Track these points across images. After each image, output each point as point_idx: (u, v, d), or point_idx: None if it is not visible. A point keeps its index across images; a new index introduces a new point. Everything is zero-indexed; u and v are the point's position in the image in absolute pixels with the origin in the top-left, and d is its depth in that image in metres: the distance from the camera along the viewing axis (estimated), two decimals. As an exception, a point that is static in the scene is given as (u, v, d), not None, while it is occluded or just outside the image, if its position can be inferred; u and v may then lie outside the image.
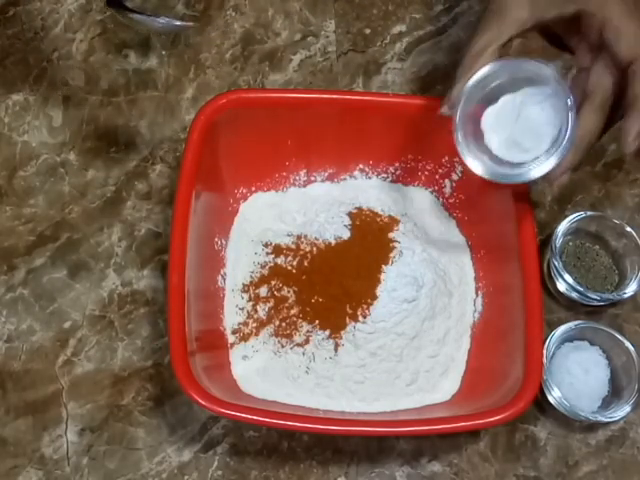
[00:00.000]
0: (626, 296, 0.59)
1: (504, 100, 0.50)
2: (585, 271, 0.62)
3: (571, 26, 0.50)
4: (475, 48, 0.50)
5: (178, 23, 0.54)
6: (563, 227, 0.60)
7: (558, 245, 0.60)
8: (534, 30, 0.51)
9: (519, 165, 0.50)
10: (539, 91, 0.50)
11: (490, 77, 0.50)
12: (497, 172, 0.51)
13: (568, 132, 0.47)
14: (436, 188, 0.64)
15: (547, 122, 0.49)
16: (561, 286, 0.60)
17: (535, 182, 0.50)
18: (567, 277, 0.59)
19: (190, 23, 0.55)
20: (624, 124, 0.48)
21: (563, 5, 0.49)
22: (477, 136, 0.51)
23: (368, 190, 0.64)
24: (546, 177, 0.49)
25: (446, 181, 0.64)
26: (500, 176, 0.51)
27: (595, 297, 0.59)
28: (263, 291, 0.59)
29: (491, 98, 0.51)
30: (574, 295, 0.60)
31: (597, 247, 0.63)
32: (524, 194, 0.56)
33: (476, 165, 0.51)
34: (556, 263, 0.59)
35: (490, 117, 0.51)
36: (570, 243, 0.63)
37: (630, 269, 0.60)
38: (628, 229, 0.60)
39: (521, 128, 0.50)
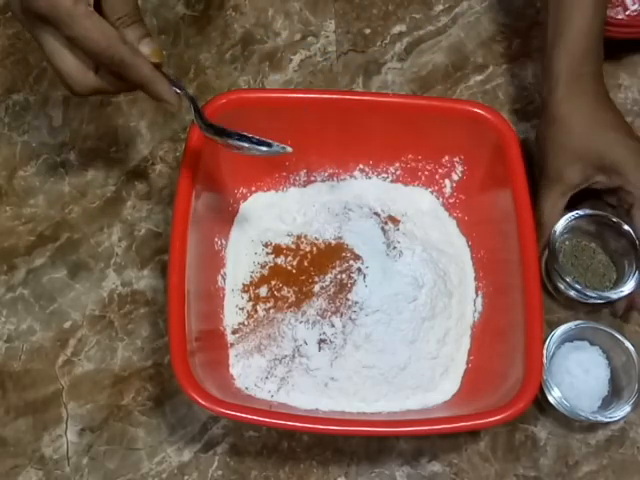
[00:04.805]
0: (624, 294, 0.59)
1: None
2: (583, 269, 0.61)
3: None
4: (546, 211, 0.60)
5: (279, 149, 0.53)
6: (561, 226, 0.60)
7: (556, 244, 0.60)
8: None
9: None
10: None
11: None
12: None
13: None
14: (436, 188, 0.64)
15: None
16: (560, 285, 0.60)
17: None
18: (565, 276, 0.59)
19: (289, 149, 0.53)
20: None
21: (609, 180, 0.59)
22: None
23: (368, 190, 0.64)
24: None
25: (446, 181, 0.64)
26: None
27: (594, 295, 0.59)
28: (263, 291, 0.59)
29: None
30: (572, 294, 0.60)
31: (594, 245, 0.63)
32: (524, 194, 0.56)
33: None
34: (554, 262, 0.59)
35: None
36: (567, 242, 0.62)
37: (628, 267, 0.60)
38: (626, 227, 0.60)
39: None
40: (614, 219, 0.61)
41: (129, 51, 0.48)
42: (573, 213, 0.61)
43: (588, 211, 0.61)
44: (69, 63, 0.48)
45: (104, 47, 0.47)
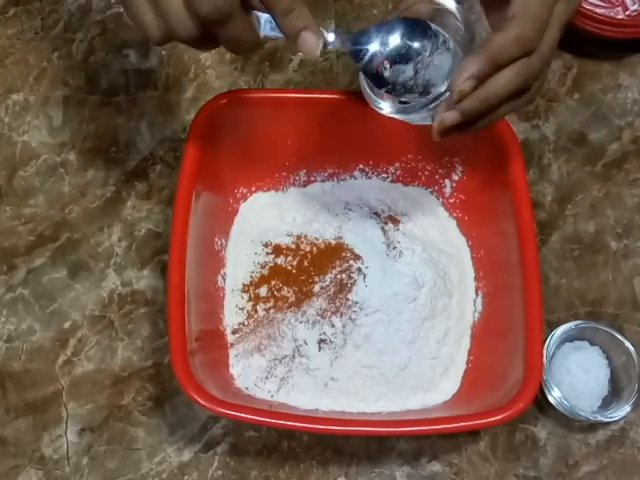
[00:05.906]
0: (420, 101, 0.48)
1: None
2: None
3: None
4: None
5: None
6: None
7: None
8: None
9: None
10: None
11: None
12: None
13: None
14: (436, 188, 0.64)
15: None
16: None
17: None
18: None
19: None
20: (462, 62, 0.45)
21: None
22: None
23: (368, 190, 0.64)
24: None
25: (446, 181, 0.64)
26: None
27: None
28: (263, 291, 0.59)
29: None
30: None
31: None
32: (524, 194, 0.56)
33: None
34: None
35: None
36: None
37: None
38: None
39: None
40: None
41: None
42: None
43: None
44: None
45: None
